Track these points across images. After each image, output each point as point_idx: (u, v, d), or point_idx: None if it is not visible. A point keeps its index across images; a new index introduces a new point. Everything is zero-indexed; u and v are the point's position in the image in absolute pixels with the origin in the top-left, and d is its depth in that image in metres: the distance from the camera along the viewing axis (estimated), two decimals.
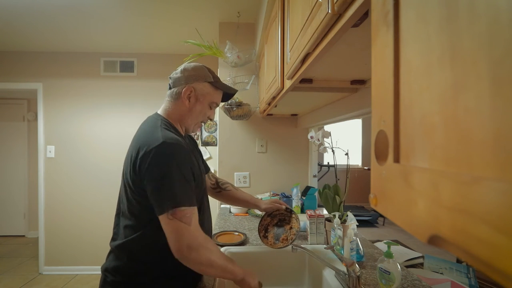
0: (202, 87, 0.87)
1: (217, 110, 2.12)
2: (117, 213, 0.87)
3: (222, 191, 1.15)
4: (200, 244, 0.71)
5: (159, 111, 0.89)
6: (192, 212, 0.72)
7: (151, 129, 0.80)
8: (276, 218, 1.13)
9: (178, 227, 0.70)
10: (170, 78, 0.90)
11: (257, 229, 1.11)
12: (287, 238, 1.05)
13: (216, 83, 0.90)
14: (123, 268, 0.80)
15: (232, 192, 1.16)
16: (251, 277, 0.80)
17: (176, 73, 0.89)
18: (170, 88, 0.89)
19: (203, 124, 0.93)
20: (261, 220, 1.13)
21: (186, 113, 0.87)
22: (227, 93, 0.96)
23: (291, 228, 1.08)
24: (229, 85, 1.83)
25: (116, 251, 0.82)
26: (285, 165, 2.07)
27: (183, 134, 0.92)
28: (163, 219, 0.71)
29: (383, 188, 0.28)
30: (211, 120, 0.94)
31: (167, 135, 0.76)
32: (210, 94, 0.89)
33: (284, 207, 1.12)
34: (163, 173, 0.71)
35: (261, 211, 1.16)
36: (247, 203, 1.16)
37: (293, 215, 1.11)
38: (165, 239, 0.71)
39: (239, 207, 1.79)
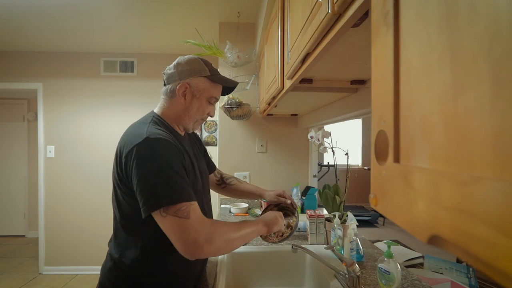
0: (197, 82, 0.81)
1: (217, 110, 2.12)
2: (114, 216, 0.81)
3: (227, 186, 1.14)
4: (208, 235, 0.65)
5: (155, 109, 0.85)
6: (189, 205, 0.66)
7: (138, 125, 0.77)
8: (282, 211, 1.07)
9: (174, 224, 0.64)
10: (164, 74, 0.84)
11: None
12: (282, 234, 0.99)
13: (213, 76, 0.83)
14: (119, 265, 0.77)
15: (237, 186, 1.14)
16: (272, 224, 0.84)
17: (170, 68, 0.83)
18: (165, 85, 0.84)
19: (203, 121, 0.88)
20: (265, 210, 1.10)
21: (183, 111, 0.82)
22: (228, 87, 0.91)
23: (288, 225, 1.03)
24: None
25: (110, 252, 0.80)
26: (285, 165, 2.07)
27: (182, 134, 0.87)
28: (158, 218, 0.66)
29: (383, 188, 0.28)
30: (211, 116, 0.89)
31: (151, 131, 0.71)
32: (207, 89, 0.82)
33: (289, 201, 1.07)
34: (148, 171, 0.66)
35: (266, 201, 1.12)
36: (251, 195, 1.13)
37: (296, 213, 1.06)
38: (162, 242, 0.69)
39: (239, 208, 1.79)
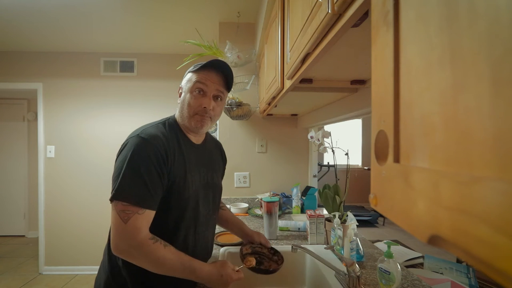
0: (184, 80, 0.88)
1: None
2: None
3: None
4: (132, 248, 0.68)
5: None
6: (134, 212, 0.68)
7: (147, 124, 0.84)
8: (256, 255, 0.99)
9: (114, 220, 0.69)
10: None
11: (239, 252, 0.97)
12: (250, 264, 0.90)
13: (195, 68, 0.85)
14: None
15: (226, 213, 1.11)
16: (220, 281, 0.76)
17: None
18: None
19: (202, 117, 0.84)
20: (241, 249, 0.98)
21: (179, 109, 0.87)
22: (224, 71, 0.86)
23: (270, 267, 0.95)
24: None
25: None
26: (285, 165, 2.07)
27: (195, 141, 0.90)
28: (111, 207, 0.71)
29: (383, 188, 0.28)
30: (206, 108, 0.83)
31: (146, 131, 0.77)
32: (190, 80, 0.85)
33: (269, 246, 1.02)
34: (121, 164, 0.72)
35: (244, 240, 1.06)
36: (232, 227, 1.08)
37: (275, 257, 0.99)
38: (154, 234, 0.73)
39: (239, 208, 1.80)
